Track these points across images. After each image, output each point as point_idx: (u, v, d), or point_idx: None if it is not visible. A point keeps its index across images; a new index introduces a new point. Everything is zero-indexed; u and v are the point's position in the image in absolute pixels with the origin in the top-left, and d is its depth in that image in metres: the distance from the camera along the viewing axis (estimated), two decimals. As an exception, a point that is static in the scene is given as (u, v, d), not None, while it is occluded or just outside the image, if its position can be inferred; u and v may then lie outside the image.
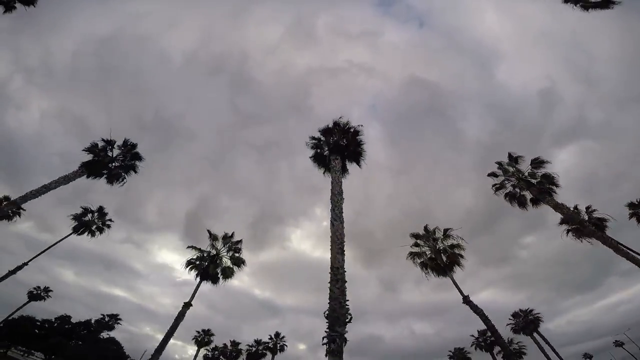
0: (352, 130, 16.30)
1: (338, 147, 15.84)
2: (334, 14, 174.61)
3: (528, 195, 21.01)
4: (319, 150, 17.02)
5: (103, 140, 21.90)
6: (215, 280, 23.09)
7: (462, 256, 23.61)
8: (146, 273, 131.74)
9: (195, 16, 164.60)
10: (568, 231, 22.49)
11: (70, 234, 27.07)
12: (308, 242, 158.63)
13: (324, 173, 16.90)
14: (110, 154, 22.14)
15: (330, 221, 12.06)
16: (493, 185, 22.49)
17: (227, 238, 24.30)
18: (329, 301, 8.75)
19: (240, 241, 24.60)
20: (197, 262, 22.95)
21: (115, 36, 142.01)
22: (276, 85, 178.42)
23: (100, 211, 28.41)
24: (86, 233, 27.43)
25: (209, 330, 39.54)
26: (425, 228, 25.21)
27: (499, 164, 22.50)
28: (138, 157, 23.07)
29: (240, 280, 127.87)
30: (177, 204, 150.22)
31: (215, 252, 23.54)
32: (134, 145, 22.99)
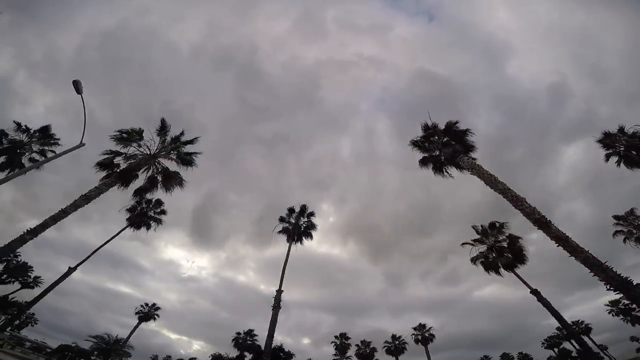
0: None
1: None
2: (342, 6, 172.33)
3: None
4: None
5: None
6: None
7: (523, 249, 23.42)
8: (152, 269, 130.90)
9: (203, 8, 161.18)
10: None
11: (125, 227, 26.67)
12: (314, 237, 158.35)
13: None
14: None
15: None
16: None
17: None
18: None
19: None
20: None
21: (120, 29, 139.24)
22: (285, 78, 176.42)
23: (157, 202, 27.96)
24: (142, 226, 27.14)
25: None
26: (492, 224, 25.28)
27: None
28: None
29: (246, 276, 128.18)
30: (184, 200, 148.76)
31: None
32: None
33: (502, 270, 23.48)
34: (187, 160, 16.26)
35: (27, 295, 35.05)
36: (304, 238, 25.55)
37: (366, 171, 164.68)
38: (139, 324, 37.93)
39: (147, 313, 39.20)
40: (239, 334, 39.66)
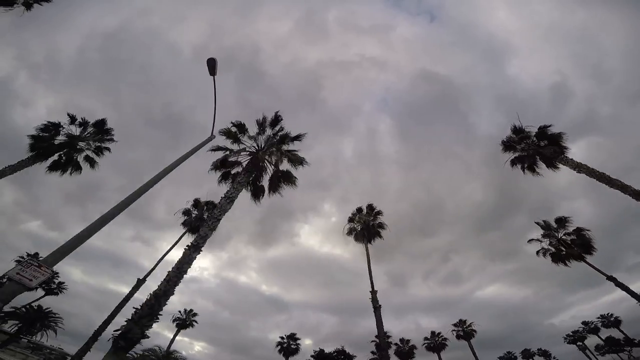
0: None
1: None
2: (344, 7, 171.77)
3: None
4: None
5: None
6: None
7: (591, 240, 24.40)
8: (154, 270, 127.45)
9: (204, 10, 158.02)
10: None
11: (185, 231, 25.18)
12: (316, 237, 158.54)
13: None
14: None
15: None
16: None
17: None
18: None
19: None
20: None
21: (122, 30, 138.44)
22: (287, 79, 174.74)
23: (211, 205, 26.54)
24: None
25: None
26: (558, 219, 25.65)
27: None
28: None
29: (248, 276, 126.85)
30: (186, 200, 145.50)
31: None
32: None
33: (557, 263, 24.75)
34: (298, 158, 15.16)
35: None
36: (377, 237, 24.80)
37: (368, 171, 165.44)
38: (177, 332, 36.25)
39: (185, 320, 37.54)
40: (282, 338, 38.69)
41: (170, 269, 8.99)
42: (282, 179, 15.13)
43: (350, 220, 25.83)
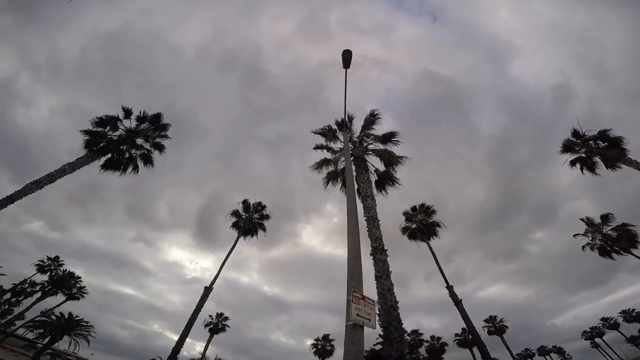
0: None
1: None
2: (346, 8, 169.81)
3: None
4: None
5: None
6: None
7: (637, 235, 24.56)
8: (156, 271, 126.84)
9: (207, 10, 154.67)
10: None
11: (239, 234, 23.90)
12: (318, 238, 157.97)
13: None
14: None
15: None
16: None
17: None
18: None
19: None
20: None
21: (124, 31, 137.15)
22: (289, 79, 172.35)
23: (260, 206, 25.40)
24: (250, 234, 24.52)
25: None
26: (604, 216, 26.22)
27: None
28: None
29: (250, 277, 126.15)
30: (188, 201, 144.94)
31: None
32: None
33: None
34: (397, 158, 14.12)
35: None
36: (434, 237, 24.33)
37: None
38: (211, 337, 34.94)
39: (217, 324, 36.27)
40: (317, 339, 37.85)
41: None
42: (387, 180, 14.09)
43: (408, 219, 25.06)
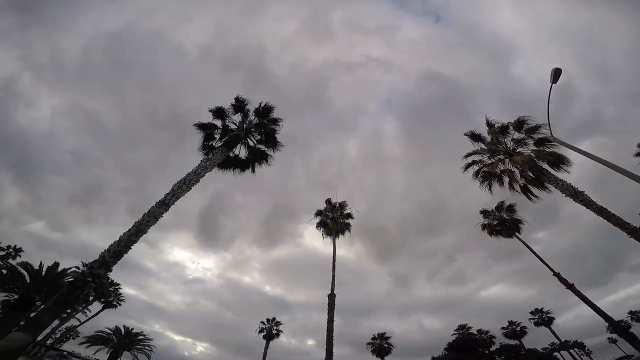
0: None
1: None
2: (349, 8, 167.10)
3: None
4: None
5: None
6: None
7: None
8: (157, 271, 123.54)
9: (210, 10, 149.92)
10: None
11: (334, 235, 22.20)
12: (320, 238, 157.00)
13: None
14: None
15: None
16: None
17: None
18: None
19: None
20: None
21: (127, 31, 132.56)
22: (292, 80, 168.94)
23: (342, 207, 23.81)
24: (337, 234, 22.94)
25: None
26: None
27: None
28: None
29: (252, 277, 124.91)
30: (191, 201, 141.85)
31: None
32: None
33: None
34: (560, 158, 13.04)
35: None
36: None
37: (373, 172, 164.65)
38: (267, 344, 33.13)
39: (271, 330, 34.56)
40: (374, 338, 36.99)
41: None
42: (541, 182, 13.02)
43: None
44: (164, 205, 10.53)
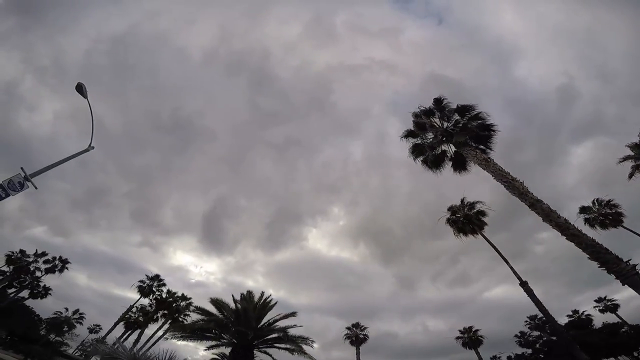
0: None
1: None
2: (352, 10, 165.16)
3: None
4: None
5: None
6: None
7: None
8: (161, 275, 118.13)
9: (214, 13, 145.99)
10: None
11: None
12: (324, 241, 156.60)
13: None
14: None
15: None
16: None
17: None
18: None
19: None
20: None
21: (130, 34, 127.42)
22: (296, 83, 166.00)
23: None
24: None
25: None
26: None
27: None
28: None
29: (255, 280, 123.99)
30: (194, 205, 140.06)
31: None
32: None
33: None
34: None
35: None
36: None
37: (378, 174, 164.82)
38: (358, 349, 31.77)
39: (357, 335, 33.02)
40: (462, 332, 36.82)
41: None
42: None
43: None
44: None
